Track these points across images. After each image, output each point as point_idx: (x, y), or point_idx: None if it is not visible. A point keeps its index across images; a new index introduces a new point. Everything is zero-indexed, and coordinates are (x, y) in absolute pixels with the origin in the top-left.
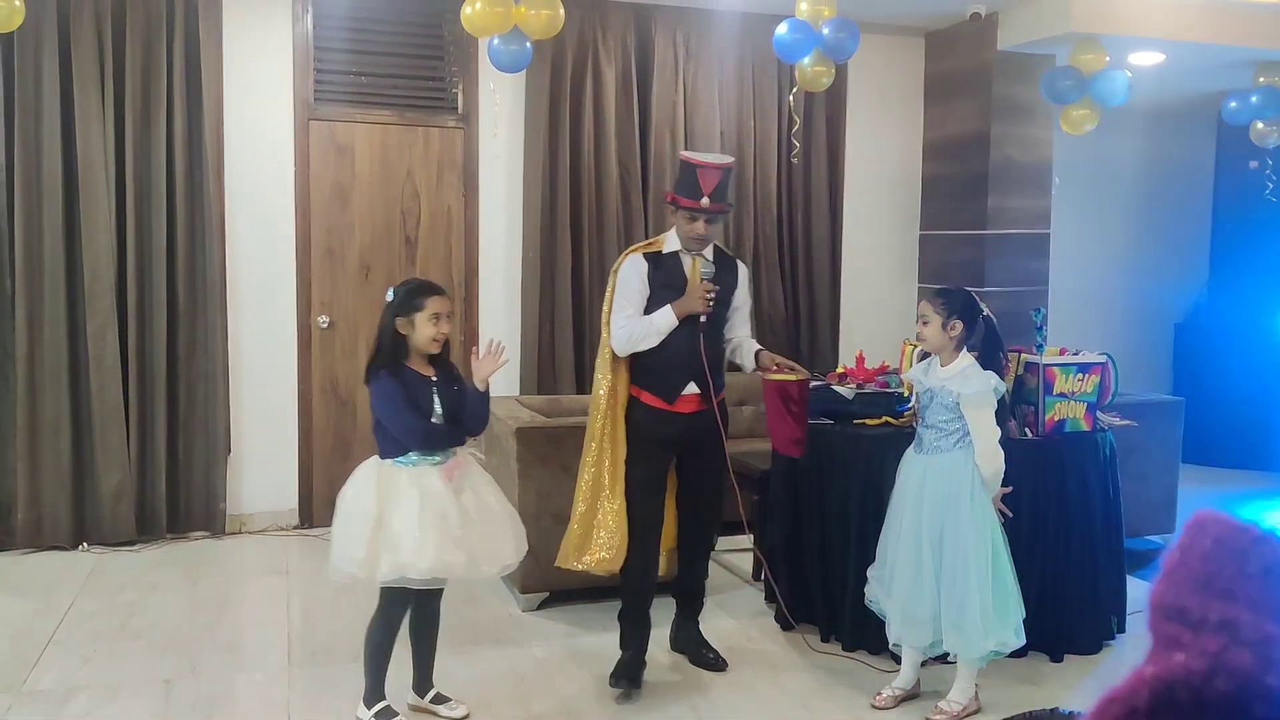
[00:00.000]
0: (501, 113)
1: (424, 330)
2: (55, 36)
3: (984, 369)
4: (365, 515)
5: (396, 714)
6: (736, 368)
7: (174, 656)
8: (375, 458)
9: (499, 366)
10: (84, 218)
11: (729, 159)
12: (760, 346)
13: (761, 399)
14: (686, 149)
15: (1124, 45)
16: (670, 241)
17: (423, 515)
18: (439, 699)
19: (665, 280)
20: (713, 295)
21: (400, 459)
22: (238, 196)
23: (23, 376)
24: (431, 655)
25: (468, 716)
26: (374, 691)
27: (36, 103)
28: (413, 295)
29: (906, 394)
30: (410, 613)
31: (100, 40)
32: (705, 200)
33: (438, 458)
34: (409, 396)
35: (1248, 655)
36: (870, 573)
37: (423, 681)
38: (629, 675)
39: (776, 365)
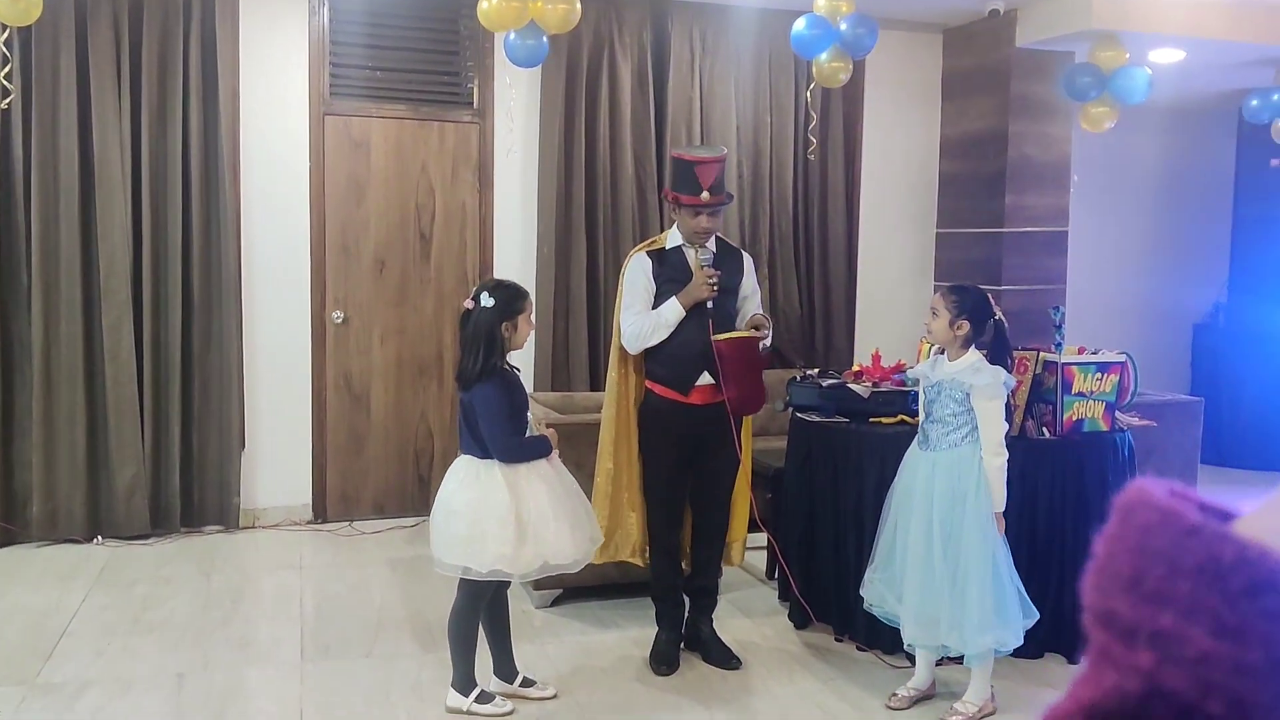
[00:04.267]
0: (517, 108)
1: (524, 331)
2: (72, 31)
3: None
4: (504, 513)
5: (494, 696)
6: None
7: (186, 650)
8: (467, 457)
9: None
10: (100, 212)
11: (722, 151)
12: (760, 312)
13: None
14: (700, 145)
15: (1144, 42)
16: (672, 237)
17: (555, 507)
18: (526, 683)
19: (670, 275)
20: (715, 280)
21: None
22: (253, 191)
23: (38, 369)
24: (510, 641)
25: (556, 696)
26: (468, 678)
27: (54, 97)
28: (516, 298)
29: None
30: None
31: (117, 35)
32: (705, 195)
33: None
34: (513, 408)
35: (1183, 677)
36: (870, 574)
37: (508, 668)
38: (666, 660)
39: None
